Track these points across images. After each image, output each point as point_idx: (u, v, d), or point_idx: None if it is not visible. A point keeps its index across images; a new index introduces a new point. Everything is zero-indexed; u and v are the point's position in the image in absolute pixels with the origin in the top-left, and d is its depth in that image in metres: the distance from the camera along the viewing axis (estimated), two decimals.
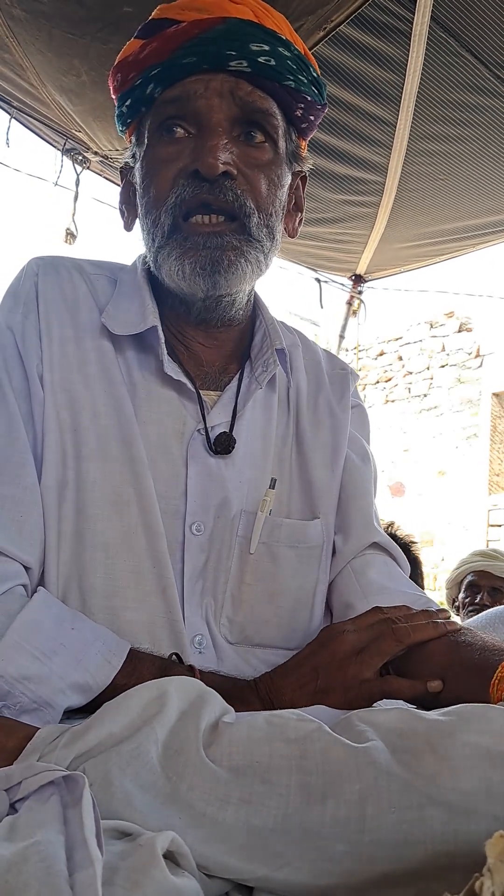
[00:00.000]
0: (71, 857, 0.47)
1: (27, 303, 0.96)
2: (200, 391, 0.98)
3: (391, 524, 2.61)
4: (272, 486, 0.97)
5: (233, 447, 0.96)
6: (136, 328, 0.95)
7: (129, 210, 1.02)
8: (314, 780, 0.58)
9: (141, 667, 0.81)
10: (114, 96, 0.96)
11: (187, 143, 0.90)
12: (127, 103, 0.94)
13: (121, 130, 0.99)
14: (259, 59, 0.88)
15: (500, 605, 2.50)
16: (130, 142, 0.99)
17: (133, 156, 0.98)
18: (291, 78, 0.91)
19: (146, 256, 0.99)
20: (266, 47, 0.89)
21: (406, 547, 2.27)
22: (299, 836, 0.56)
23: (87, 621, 0.85)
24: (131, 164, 0.99)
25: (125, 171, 1.02)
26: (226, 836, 0.57)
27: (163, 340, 0.95)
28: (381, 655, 0.86)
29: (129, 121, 0.96)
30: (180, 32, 0.88)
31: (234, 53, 0.87)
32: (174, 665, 0.86)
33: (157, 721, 0.62)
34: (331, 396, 1.09)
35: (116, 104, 0.96)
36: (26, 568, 0.87)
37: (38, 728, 0.68)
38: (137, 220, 0.99)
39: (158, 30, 0.89)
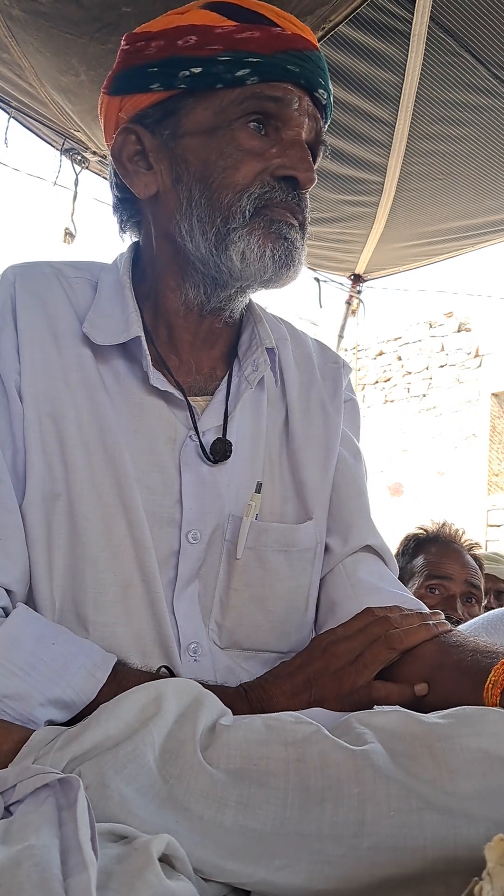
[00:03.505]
0: (66, 861, 0.47)
1: (3, 314, 0.94)
2: (189, 397, 0.96)
3: None
4: (258, 491, 0.96)
5: (230, 453, 0.95)
6: (119, 338, 0.93)
7: (144, 174, 0.95)
8: (312, 783, 0.58)
9: (125, 683, 0.79)
10: (159, 52, 0.90)
11: (269, 143, 0.91)
12: (195, 69, 0.88)
13: (151, 87, 0.91)
14: (330, 98, 0.94)
15: None
16: (149, 101, 0.92)
17: (159, 119, 0.93)
18: (327, 123, 0.98)
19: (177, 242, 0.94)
20: (331, 89, 0.95)
21: None
22: (297, 839, 0.56)
23: (71, 636, 0.83)
24: (149, 127, 0.93)
25: (132, 130, 0.94)
26: (223, 839, 0.56)
27: (146, 353, 0.93)
28: (375, 664, 0.85)
29: (180, 85, 0.90)
30: (286, 38, 0.89)
31: (322, 82, 0.92)
32: (160, 678, 0.84)
33: (154, 723, 0.62)
34: (323, 393, 1.07)
35: (160, 60, 0.90)
36: (8, 591, 0.85)
37: (34, 730, 0.68)
38: (156, 184, 0.94)
39: (256, 21, 0.89)
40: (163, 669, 0.87)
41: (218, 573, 0.94)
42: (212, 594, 0.94)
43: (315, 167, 0.97)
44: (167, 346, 0.99)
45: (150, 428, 0.94)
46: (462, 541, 2.18)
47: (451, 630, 0.89)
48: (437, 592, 2.05)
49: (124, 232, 1.04)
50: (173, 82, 0.90)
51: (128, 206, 1.01)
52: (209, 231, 0.91)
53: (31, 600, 0.89)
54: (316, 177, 0.92)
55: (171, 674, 0.87)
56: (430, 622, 0.89)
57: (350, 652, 0.86)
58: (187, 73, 0.89)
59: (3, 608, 0.84)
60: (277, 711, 0.81)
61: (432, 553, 2.12)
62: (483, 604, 2.76)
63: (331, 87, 0.94)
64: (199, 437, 0.94)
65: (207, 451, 0.94)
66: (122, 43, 0.94)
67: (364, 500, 1.05)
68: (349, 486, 1.04)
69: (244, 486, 0.97)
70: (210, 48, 0.88)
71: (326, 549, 1.02)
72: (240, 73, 0.88)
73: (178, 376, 0.97)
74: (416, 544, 2.17)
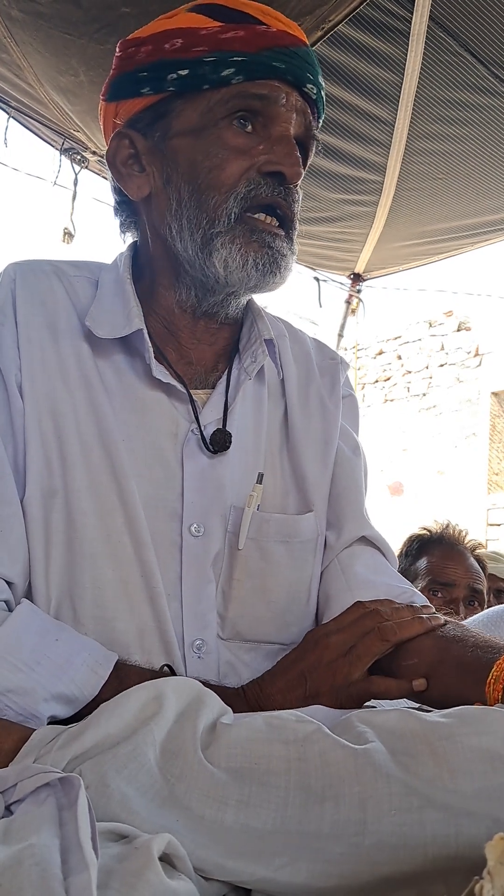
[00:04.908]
0: (66, 861, 0.47)
1: (3, 310, 0.94)
2: (190, 390, 0.97)
3: None
4: (259, 482, 0.96)
5: (229, 443, 0.95)
6: (122, 331, 0.94)
7: (137, 176, 0.96)
8: (313, 782, 0.58)
9: (127, 681, 0.79)
10: (148, 56, 0.91)
11: (256, 140, 0.91)
12: (182, 72, 0.90)
13: (142, 91, 0.92)
14: (321, 92, 0.95)
15: None
16: (141, 105, 0.93)
17: (150, 122, 0.94)
18: (321, 119, 0.98)
19: (171, 241, 0.95)
20: (323, 84, 0.95)
21: None
22: (298, 838, 0.56)
23: (73, 633, 0.84)
24: (141, 131, 0.95)
25: (125, 135, 0.96)
26: (223, 838, 0.56)
27: (149, 345, 0.93)
28: (368, 656, 0.86)
29: (169, 88, 0.91)
30: (271, 35, 0.90)
31: (311, 77, 0.93)
32: (161, 676, 0.85)
33: (155, 722, 0.62)
34: (321, 388, 1.08)
35: (149, 64, 0.91)
36: (9, 583, 0.86)
37: (35, 729, 0.68)
38: (149, 188, 0.95)
39: (241, 20, 0.90)
40: (165, 668, 0.87)
41: (221, 565, 0.95)
42: (214, 585, 0.94)
43: (308, 163, 0.98)
44: (166, 341, 0.99)
45: (151, 422, 0.94)
46: (466, 542, 2.18)
47: (445, 624, 0.89)
48: (439, 596, 2.04)
49: (124, 233, 1.06)
50: (162, 85, 0.91)
51: (125, 209, 1.03)
52: (196, 233, 0.92)
53: (27, 595, 0.89)
54: (303, 171, 0.93)
55: (173, 672, 0.87)
56: (424, 615, 0.89)
57: (342, 644, 0.87)
58: (175, 75, 0.90)
59: (5, 601, 0.84)
60: (274, 708, 0.81)
61: (436, 556, 2.11)
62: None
63: (322, 81, 0.95)
64: (200, 430, 0.95)
65: (208, 441, 0.94)
66: (117, 50, 0.96)
67: (359, 494, 1.05)
68: (346, 480, 1.04)
69: (246, 478, 0.97)
70: (196, 50, 0.89)
71: (325, 541, 1.02)
72: (225, 72, 0.89)
73: (177, 369, 0.98)
74: (420, 546, 2.16)
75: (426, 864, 0.54)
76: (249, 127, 0.91)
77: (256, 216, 0.91)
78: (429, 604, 0.94)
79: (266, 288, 0.94)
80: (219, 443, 0.95)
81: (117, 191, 1.01)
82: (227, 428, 0.96)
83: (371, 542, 1.03)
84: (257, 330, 1.02)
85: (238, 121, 0.91)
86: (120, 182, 0.98)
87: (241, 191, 0.90)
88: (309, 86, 0.93)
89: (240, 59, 0.88)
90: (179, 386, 0.95)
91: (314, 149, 0.99)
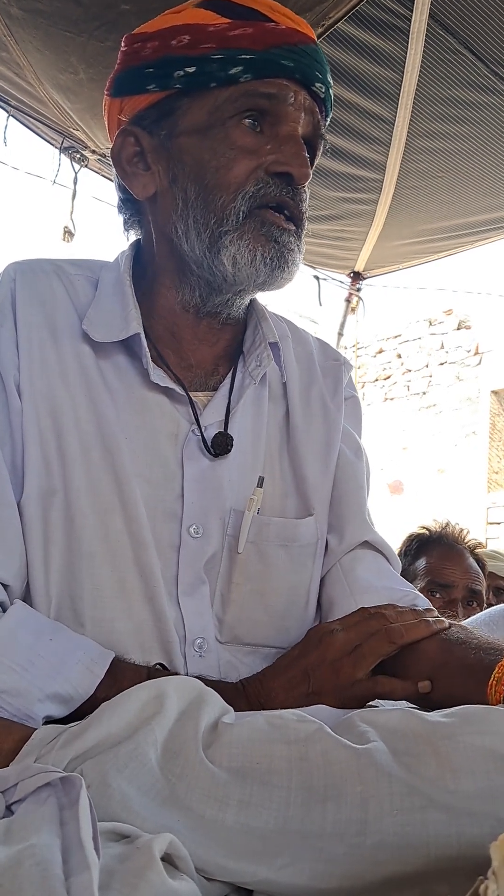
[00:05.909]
0: (67, 861, 0.47)
1: (3, 311, 0.94)
2: (190, 393, 0.96)
3: None
4: (260, 485, 0.96)
5: (231, 447, 0.95)
6: (119, 335, 0.93)
7: (142, 174, 0.96)
8: (315, 782, 0.58)
9: (122, 679, 0.79)
10: (154, 52, 0.90)
11: (264, 140, 0.90)
12: (189, 69, 0.88)
13: (148, 88, 0.92)
14: (330, 91, 0.94)
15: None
16: (146, 102, 0.93)
17: (156, 120, 0.93)
18: (328, 118, 0.97)
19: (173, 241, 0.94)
20: (331, 82, 0.94)
21: None
22: (300, 838, 0.56)
23: (68, 632, 0.83)
24: (147, 128, 0.94)
25: (131, 132, 0.95)
26: (225, 838, 0.56)
27: (146, 350, 0.93)
28: (373, 656, 0.85)
29: (176, 85, 0.90)
30: (280, 32, 0.89)
31: (319, 76, 0.92)
32: (158, 674, 0.84)
33: (156, 722, 0.62)
34: (324, 390, 1.07)
35: (155, 60, 0.90)
36: (4, 585, 0.85)
37: (35, 729, 0.67)
38: (155, 186, 0.95)
39: (250, 17, 0.89)
40: (157, 666, 0.87)
41: (219, 567, 0.94)
42: (213, 588, 0.94)
43: (315, 162, 0.97)
44: (165, 343, 0.99)
45: (152, 423, 0.94)
46: (465, 542, 2.17)
47: (449, 627, 0.89)
48: (438, 596, 2.04)
49: (127, 231, 1.05)
50: (168, 82, 0.90)
51: (129, 207, 1.02)
52: (203, 233, 0.91)
53: (27, 596, 0.89)
54: (311, 172, 0.92)
55: (165, 669, 0.87)
56: (429, 619, 0.89)
57: (346, 643, 0.86)
58: (181, 72, 0.89)
59: (0, 603, 0.84)
60: (276, 705, 0.81)
61: (434, 556, 2.10)
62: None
63: (330, 80, 0.94)
64: (201, 432, 0.94)
65: (209, 444, 0.94)
66: (122, 44, 0.95)
67: (361, 497, 1.05)
68: (348, 483, 1.04)
69: (246, 481, 0.97)
70: (203, 47, 0.88)
71: (325, 546, 1.02)
72: (233, 70, 0.88)
73: (176, 372, 0.97)
74: (419, 545, 2.15)
75: (429, 864, 0.53)
76: (258, 126, 0.90)
77: (265, 210, 0.90)
78: (431, 607, 0.94)
79: (274, 285, 0.93)
80: (220, 446, 0.94)
81: (121, 188, 1.00)
82: (229, 431, 0.96)
83: (373, 545, 1.03)
84: (262, 332, 1.01)
85: (246, 120, 0.90)
86: (125, 180, 0.97)
87: (250, 190, 0.89)
88: (317, 84, 0.92)
89: (248, 56, 0.87)
90: (178, 389, 0.95)
91: (321, 148, 0.98)
